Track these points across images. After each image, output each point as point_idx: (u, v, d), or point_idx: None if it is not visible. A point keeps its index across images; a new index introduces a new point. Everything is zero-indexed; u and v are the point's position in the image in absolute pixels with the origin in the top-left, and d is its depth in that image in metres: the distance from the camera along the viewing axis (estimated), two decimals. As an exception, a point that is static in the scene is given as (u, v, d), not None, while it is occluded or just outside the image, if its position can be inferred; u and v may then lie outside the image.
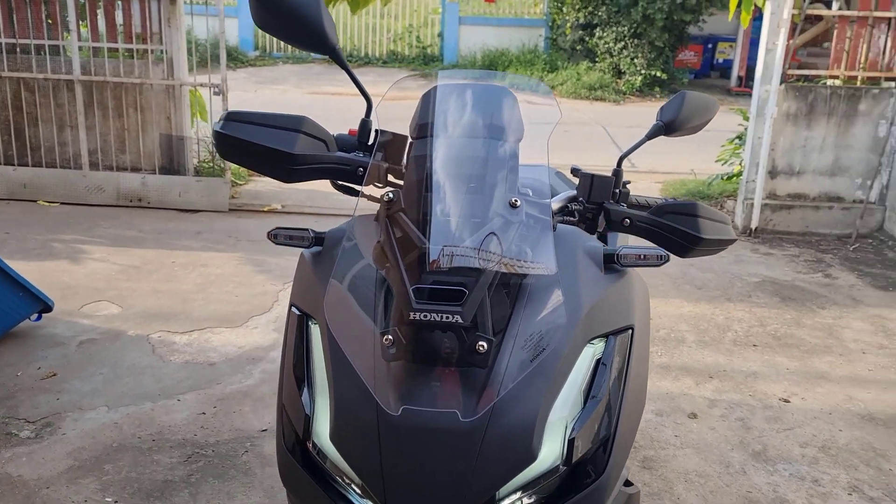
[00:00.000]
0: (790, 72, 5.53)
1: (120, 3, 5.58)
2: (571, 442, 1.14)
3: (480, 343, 1.08)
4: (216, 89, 5.55)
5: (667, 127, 1.58)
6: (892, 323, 4.21)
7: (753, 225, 5.60)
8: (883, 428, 3.15)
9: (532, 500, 1.14)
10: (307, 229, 1.37)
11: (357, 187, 1.45)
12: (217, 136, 1.35)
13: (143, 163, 5.79)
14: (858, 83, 5.57)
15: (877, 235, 5.64)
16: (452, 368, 1.10)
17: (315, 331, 1.27)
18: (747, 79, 13.02)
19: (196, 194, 5.74)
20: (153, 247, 4.94)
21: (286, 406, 1.23)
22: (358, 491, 1.14)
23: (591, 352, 1.22)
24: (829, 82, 5.69)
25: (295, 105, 10.79)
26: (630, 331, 1.27)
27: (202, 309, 4.05)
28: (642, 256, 1.29)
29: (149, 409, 3.07)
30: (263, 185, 6.53)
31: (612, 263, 1.32)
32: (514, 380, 1.10)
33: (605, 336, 1.24)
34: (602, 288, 1.27)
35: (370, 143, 1.46)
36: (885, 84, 5.57)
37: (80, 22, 5.71)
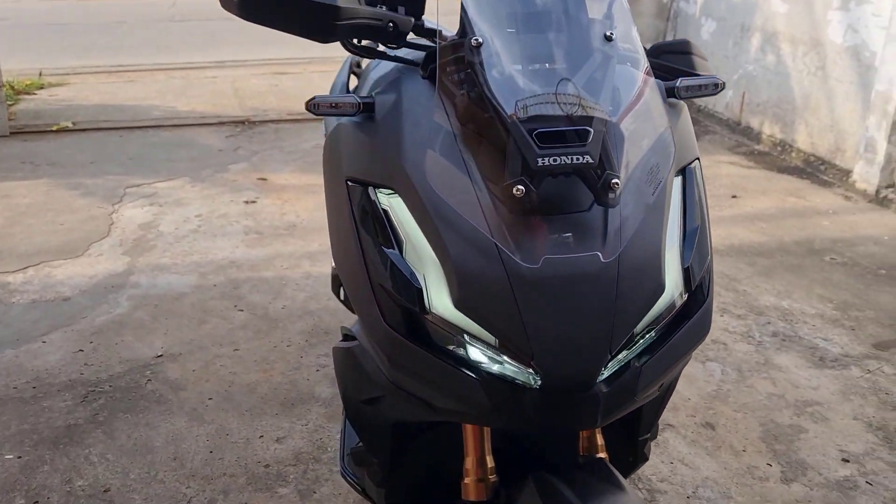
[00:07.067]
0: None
1: None
2: (688, 270, 1.16)
3: (614, 181, 1.05)
4: None
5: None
6: None
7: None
8: None
9: (656, 335, 1.15)
10: (351, 94, 1.22)
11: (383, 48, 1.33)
12: None
13: None
14: None
15: None
16: (576, 212, 1.07)
17: (387, 201, 1.16)
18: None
19: (-35, 119, 4.93)
20: (-68, 182, 4.21)
21: (380, 286, 1.12)
22: (486, 349, 1.08)
23: (678, 183, 1.23)
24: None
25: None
26: (697, 161, 1.29)
27: (26, 243, 3.55)
28: (701, 87, 1.30)
29: (11, 357, 2.69)
30: (40, 103, 5.75)
31: (671, 97, 1.31)
32: (641, 214, 1.09)
33: (683, 169, 1.25)
34: (673, 119, 1.27)
35: None
36: None
37: None
